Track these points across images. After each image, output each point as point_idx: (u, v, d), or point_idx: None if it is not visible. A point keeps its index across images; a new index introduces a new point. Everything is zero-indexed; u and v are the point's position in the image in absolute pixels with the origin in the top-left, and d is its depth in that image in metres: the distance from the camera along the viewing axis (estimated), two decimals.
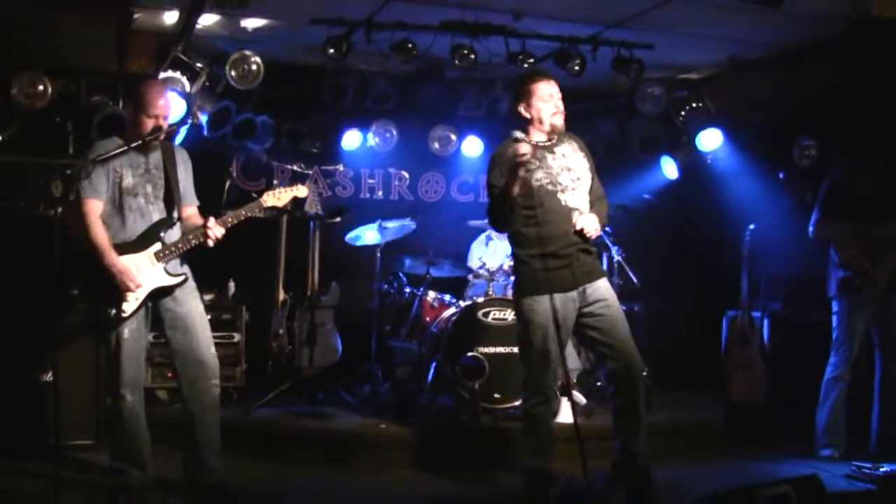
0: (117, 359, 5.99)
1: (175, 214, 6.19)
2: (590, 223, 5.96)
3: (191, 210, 6.34)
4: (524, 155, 5.74)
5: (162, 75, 8.34)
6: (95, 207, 5.95)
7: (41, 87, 8.45)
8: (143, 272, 6.00)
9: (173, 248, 6.09)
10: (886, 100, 8.28)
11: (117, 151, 5.89)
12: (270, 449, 7.58)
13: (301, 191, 6.51)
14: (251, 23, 8.34)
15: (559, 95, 6.12)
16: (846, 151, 7.72)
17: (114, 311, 5.91)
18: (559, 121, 6.10)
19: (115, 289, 5.89)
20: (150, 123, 6.01)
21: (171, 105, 6.25)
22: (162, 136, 6.10)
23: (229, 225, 6.17)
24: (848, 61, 8.22)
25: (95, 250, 5.89)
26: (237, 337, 8.94)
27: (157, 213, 6.11)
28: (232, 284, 9.15)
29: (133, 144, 5.95)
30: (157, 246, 6.06)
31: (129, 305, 5.95)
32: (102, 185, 5.98)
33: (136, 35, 8.36)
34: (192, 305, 6.18)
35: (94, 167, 5.85)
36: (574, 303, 5.99)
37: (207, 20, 8.14)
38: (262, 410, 8.21)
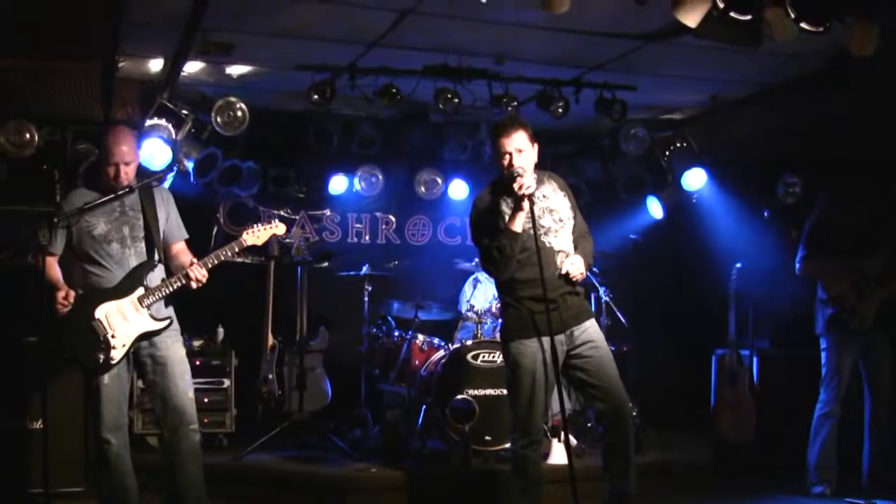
0: (97, 404, 5.97)
1: (156, 256, 6.17)
2: (575, 266, 5.94)
3: (179, 246, 6.35)
4: (528, 187, 5.73)
5: (148, 123, 8.39)
6: (49, 262, 5.98)
7: (27, 136, 8.51)
8: (129, 318, 5.97)
9: (156, 292, 6.05)
10: (868, 136, 8.36)
11: (89, 205, 5.97)
12: (261, 494, 7.56)
13: (279, 228, 6.45)
14: (236, 69, 8.38)
15: (518, 148, 5.91)
16: (830, 187, 7.76)
17: (102, 358, 5.89)
18: (512, 177, 5.81)
19: (102, 338, 5.90)
20: (111, 171, 6.02)
21: (134, 150, 6.15)
22: (140, 185, 6.13)
23: (210, 266, 6.11)
24: (829, 98, 8.29)
25: (55, 289, 5.92)
26: (226, 382, 8.91)
27: (133, 257, 6.08)
28: (221, 330, 9.13)
29: (101, 200, 6.01)
30: (140, 291, 6.03)
31: (117, 353, 5.92)
32: (60, 241, 6.02)
33: (122, 83, 8.39)
34: (172, 351, 6.12)
35: (58, 225, 5.94)
36: (562, 346, 5.98)
37: (192, 67, 8.18)
38: (252, 456, 8.17)
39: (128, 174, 6.06)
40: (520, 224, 5.80)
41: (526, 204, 5.74)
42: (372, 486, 7.48)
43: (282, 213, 9.77)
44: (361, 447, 8.42)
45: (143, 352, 6.09)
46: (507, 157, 5.92)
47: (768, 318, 9.23)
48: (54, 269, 6.03)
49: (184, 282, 6.06)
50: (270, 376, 8.79)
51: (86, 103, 8.49)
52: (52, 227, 5.90)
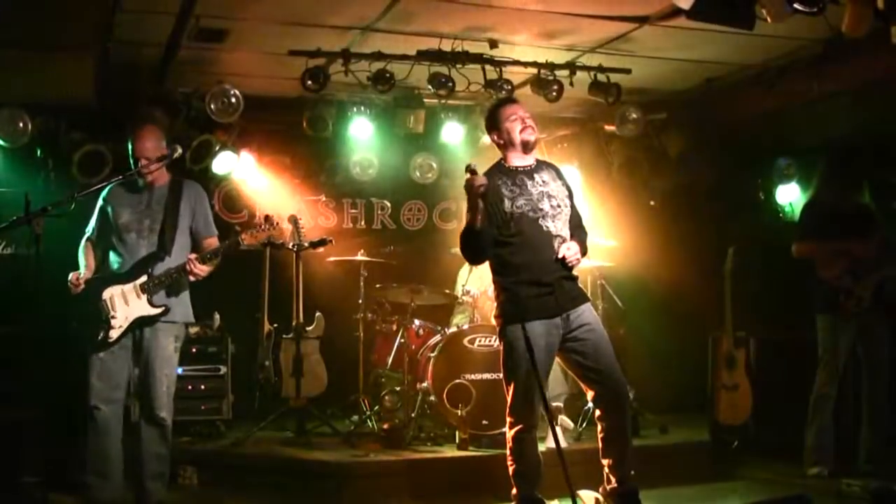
0: (89, 375, 6.31)
1: (166, 248, 6.45)
2: (571, 251, 5.97)
3: (210, 241, 6.70)
4: (481, 186, 5.76)
5: (141, 110, 8.37)
6: (85, 244, 6.64)
7: (21, 124, 8.49)
8: (130, 302, 6.34)
9: (157, 281, 6.37)
10: (862, 118, 8.36)
11: (92, 190, 6.41)
12: (258, 480, 7.56)
13: (277, 230, 6.81)
14: (230, 56, 8.36)
15: (526, 114, 6.17)
16: (825, 170, 7.75)
17: (101, 336, 6.27)
18: (530, 136, 6.12)
19: (105, 317, 6.28)
20: (143, 165, 6.40)
21: (159, 145, 6.53)
22: (148, 171, 6.45)
23: (206, 261, 6.44)
24: (824, 81, 8.28)
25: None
26: (223, 369, 8.93)
27: (145, 248, 6.44)
28: (217, 317, 9.13)
29: (130, 173, 6.44)
30: (143, 278, 6.37)
31: (115, 332, 6.31)
32: (92, 226, 6.60)
33: (115, 71, 8.37)
34: (160, 342, 6.43)
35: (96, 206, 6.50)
36: (558, 329, 5.98)
37: (186, 55, 8.16)
38: (250, 442, 8.18)
39: (150, 169, 6.45)
40: (478, 221, 5.81)
41: (481, 203, 5.77)
42: (369, 471, 7.48)
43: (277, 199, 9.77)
44: (358, 433, 8.42)
45: (139, 338, 6.40)
46: (520, 120, 6.10)
47: (765, 299, 9.23)
48: (87, 252, 6.59)
49: (182, 273, 6.41)
50: (267, 363, 8.80)
51: (79, 92, 8.47)
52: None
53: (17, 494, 6.54)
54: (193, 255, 6.40)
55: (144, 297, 6.35)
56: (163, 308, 6.38)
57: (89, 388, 6.29)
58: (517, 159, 6.17)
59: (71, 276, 6.37)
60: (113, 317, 6.30)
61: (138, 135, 6.48)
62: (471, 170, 5.83)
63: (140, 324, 6.36)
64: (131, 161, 6.47)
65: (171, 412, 6.48)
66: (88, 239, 6.61)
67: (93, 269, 6.52)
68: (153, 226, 6.46)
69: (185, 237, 6.58)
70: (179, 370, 8.63)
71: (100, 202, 6.56)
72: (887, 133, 8.17)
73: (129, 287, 6.35)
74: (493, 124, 6.24)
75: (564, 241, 6.02)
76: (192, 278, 6.42)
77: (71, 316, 6.43)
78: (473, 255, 6.12)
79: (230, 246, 6.52)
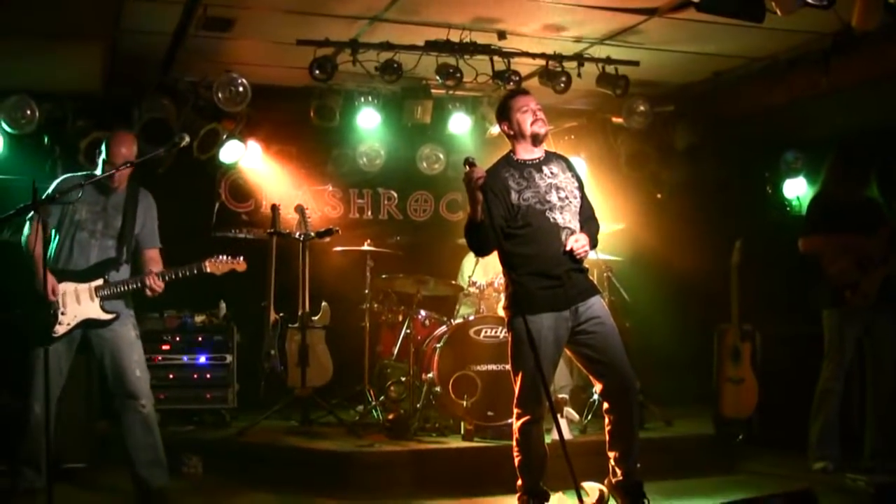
0: (31, 372, 6.32)
1: (124, 255, 6.55)
2: (580, 243, 5.95)
3: (151, 253, 6.75)
4: (480, 179, 5.75)
5: (149, 99, 8.38)
6: (35, 226, 6.33)
7: (28, 112, 8.51)
8: (81, 302, 6.40)
9: (113, 287, 6.46)
10: (871, 111, 8.34)
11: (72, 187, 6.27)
12: (263, 470, 7.57)
13: (241, 265, 6.84)
14: (237, 45, 8.35)
15: (537, 107, 6.14)
16: (833, 164, 7.73)
17: (44, 329, 6.28)
18: (540, 128, 6.09)
19: (51, 312, 6.28)
20: (106, 169, 6.41)
21: (131, 154, 6.49)
22: (120, 179, 6.50)
23: (166, 280, 6.53)
24: (833, 74, 8.26)
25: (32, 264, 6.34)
26: (229, 358, 8.94)
27: (97, 248, 6.50)
28: (223, 305, 9.15)
29: (91, 178, 6.38)
30: (99, 282, 6.44)
31: (61, 328, 6.35)
32: (55, 213, 6.44)
33: (123, 60, 8.37)
34: (120, 333, 6.50)
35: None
36: (567, 322, 5.97)
37: (193, 44, 8.15)
38: (255, 431, 8.20)
39: (122, 176, 6.49)
40: (478, 214, 5.81)
41: (479, 195, 5.76)
42: (375, 461, 7.48)
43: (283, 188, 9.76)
44: (364, 423, 8.43)
45: (92, 334, 6.47)
46: (531, 112, 6.08)
47: (771, 293, 9.22)
48: (39, 247, 6.35)
49: (139, 286, 6.50)
50: (273, 352, 8.79)
51: (87, 80, 8.48)
52: (48, 210, 6.31)
53: None
54: (157, 271, 6.51)
55: (97, 302, 6.41)
56: (114, 315, 6.45)
57: (31, 386, 6.31)
58: (525, 152, 6.15)
59: (50, 285, 6.28)
60: (62, 313, 6.33)
61: (116, 140, 6.49)
62: (469, 162, 5.82)
63: (87, 325, 6.41)
64: (102, 162, 6.46)
65: (150, 398, 6.51)
66: (39, 221, 6.24)
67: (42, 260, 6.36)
68: (105, 230, 6.50)
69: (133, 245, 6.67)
70: (185, 358, 8.72)
71: (55, 191, 6.39)
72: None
73: (83, 287, 6.40)
74: (504, 115, 6.21)
75: (573, 233, 6.00)
76: (148, 293, 6.49)
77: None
78: (478, 248, 6.11)
79: (193, 271, 6.62)
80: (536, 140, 6.12)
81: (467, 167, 5.80)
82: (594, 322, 5.98)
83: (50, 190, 6.36)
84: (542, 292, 5.88)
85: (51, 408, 6.14)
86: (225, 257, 6.74)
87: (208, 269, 6.67)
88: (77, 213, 6.44)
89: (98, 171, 6.45)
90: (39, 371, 6.20)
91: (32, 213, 6.09)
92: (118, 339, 6.45)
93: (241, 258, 6.84)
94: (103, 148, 6.50)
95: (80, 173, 6.62)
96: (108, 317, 6.43)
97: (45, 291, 6.24)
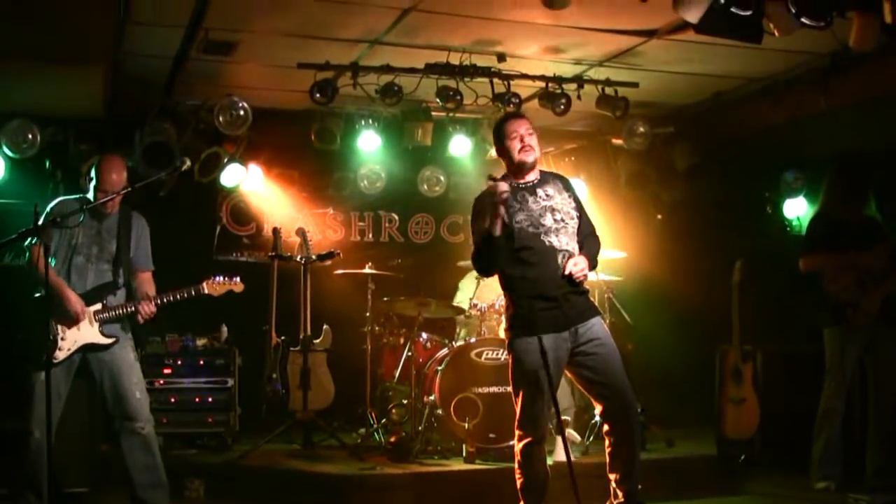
0: (30, 398, 6.28)
1: (121, 279, 6.53)
2: (578, 267, 5.92)
3: (144, 275, 6.72)
4: (504, 193, 5.75)
5: (150, 122, 8.41)
6: (38, 252, 6.20)
7: (30, 136, 8.53)
8: (81, 328, 6.37)
9: (111, 311, 6.45)
10: (870, 130, 8.36)
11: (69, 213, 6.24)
12: (265, 493, 7.56)
13: (238, 286, 6.87)
14: (238, 68, 8.38)
15: (528, 132, 6.06)
16: (832, 183, 7.74)
17: (46, 356, 6.21)
18: (526, 156, 6.01)
19: (52, 337, 6.26)
20: (101, 196, 6.38)
21: (123, 180, 6.48)
22: (111, 205, 6.48)
23: (162, 303, 6.55)
24: (831, 94, 8.29)
25: (53, 288, 6.19)
26: (230, 381, 8.94)
27: (93, 273, 6.48)
28: (224, 329, 9.15)
29: (85, 205, 6.30)
30: (98, 306, 6.42)
31: (61, 353, 6.31)
32: (55, 236, 6.33)
33: (124, 83, 8.40)
34: (120, 356, 6.47)
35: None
36: (566, 343, 5.94)
37: (195, 67, 8.19)
38: (257, 455, 8.18)
39: (114, 202, 6.48)
40: (497, 228, 5.79)
41: (502, 209, 5.76)
42: (377, 484, 7.47)
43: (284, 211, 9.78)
44: (366, 446, 8.42)
45: (91, 357, 6.45)
46: (519, 139, 6.03)
47: (772, 312, 9.22)
48: (41, 261, 6.26)
49: (132, 311, 6.48)
50: (274, 375, 8.79)
51: (88, 104, 8.51)
52: (49, 234, 6.16)
53: None
54: (151, 295, 6.53)
55: (96, 326, 6.39)
56: (113, 339, 6.43)
57: (30, 411, 6.27)
58: (518, 175, 6.14)
59: (77, 306, 6.29)
60: (62, 338, 6.30)
61: (107, 166, 6.45)
62: (493, 178, 5.84)
63: (86, 349, 6.39)
64: (93, 188, 6.42)
65: (149, 420, 6.49)
66: (42, 245, 6.02)
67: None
68: (101, 254, 6.48)
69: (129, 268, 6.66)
70: (186, 382, 8.72)
71: (52, 215, 6.34)
72: (895, 146, 8.19)
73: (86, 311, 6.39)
74: (496, 140, 6.21)
75: (571, 255, 5.98)
76: (140, 319, 6.48)
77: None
78: (488, 265, 6.04)
79: (191, 294, 6.63)
80: (523, 168, 6.07)
81: (491, 181, 5.82)
82: (594, 343, 5.96)
83: (48, 212, 6.34)
84: (542, 314, 5.86)
85: (51, 432, 6.13)
86: (222, 278, 6.77)
87: (206, 291, 6.69)
88: (74, 238, 6.43)
89: (90, 196, 6.43)
90: (39, 395, 6.16)
91: (31, 238, 6.10)
92: (117, 362, 6.43)
93: (238, 279, 6.86)
94: (93, 173, 6.48)
95: (73, 196, 6.61)
96: (108, 341, 6.41)
97: (77, 311, 6.26)
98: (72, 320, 6.27)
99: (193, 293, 6.64)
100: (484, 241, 5.90)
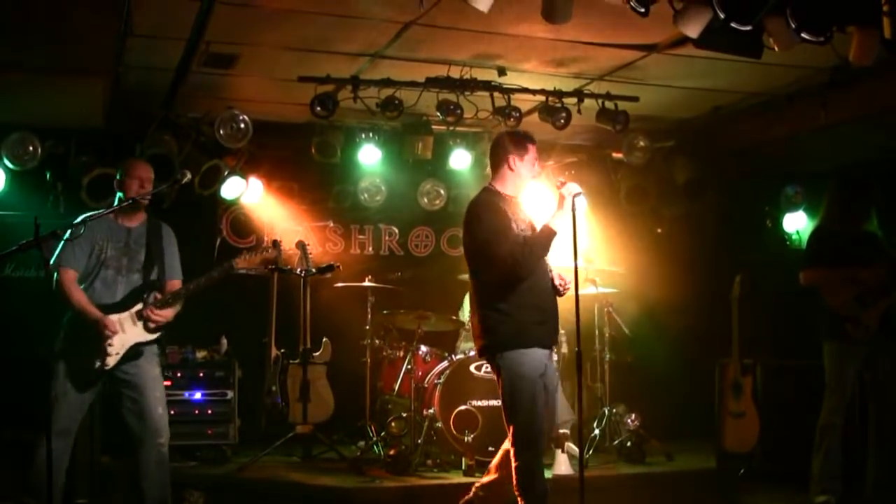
0: (52, 408, 6.19)
1: (157, 281, 6.51)
2: (567, 279, 6.01)
3: (173, 284, 6.64)
4: (579, 193, 5.88)
5: (151, 135, 8.42)
6: (71, 276, 6.31)
7: (31, 148, 8.53)
8: (126, 330, 6.32)
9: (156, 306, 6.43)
10: (870, 144, 8.37)
11: (95, 214, 6.21)
12: None
13: (270, 253, 6.90)
14: (239, 81, 8.40)
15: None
16: (832, 197, 7.75)
17: (98, 364, 6.21)
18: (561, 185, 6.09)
19: (99, 344, 6.20)
20: (134, 185, 6.40)
21: (151, 182, 6.52)
22: (145, 201, 6.46)
23: (190, 289, 6.54)
24: (831, 108, 8.30)
25: (78, 312, 6.26)
26: (230, 394, 8.94)
27: (123, 284, 6.43)
28: (224, 341, 9.14)
29: (113, 208, 6.37)
30: (139, 306, 6.39)
31: (111, 360, 6.26)
32: (83, 258, 6.34)
33: (125, 96, 8.42)
34: (146, 369, 6.42)
35: (79, 239, 6.26)
36: (544, 361, 5.98)
37: (196, 80, 8.20)
38: (256, 467, 8.18)
39: (139, 213, 6.53)
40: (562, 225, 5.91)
41: (568, 203, 5.86)
42: (376, 497, 7.49)
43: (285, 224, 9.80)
44: (365, 459, 8.41)
45: (118, 369, 6.36)
46: (535, 164, 6.18)
47: (772, 326, 9.22)
48: (77, 291, 6.32)
49: (170, 300, 6.50)
50: (274, 388, 8.79)
51: (89, 116, 8.52)
52: (68, 242, 6.29)
53: None
54: (158, 296, 6.48)
55: (140, 325, 6.36)
56: (158, 333, 6.44)
57: (52, 422, 6.12)
58: (511, 188, 6.17)
59: (103, 320, 6.22)
60: (110, 344, 6.24)
61: (136, 168, 6.51)
62: (561, 181, 5.98)
63: (132, 349, 6.34)
64: (128, 182, 6.42)
65: (168, 436, 6.45)
66: (71, 268, 6.32)
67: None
68: (131, 264, 6.45)
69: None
70: (186, 394, 8.73)
71: (81, 231, 6.29)
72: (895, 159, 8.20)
73: (124, 315, 6.32)
74: (521, 151, 6.21)
75: (551, 269, 6.06)
76: (150, 325, 6.40)
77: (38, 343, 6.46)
78: (534, 263, 5.91)
79: (222, 275, 6.61)
80: (518, 191, 6.22)
81: (561, 182, 5.95)
82: (551, 374, 6.04)
83: (78, 222, 6.23)
84: (536, 327, 5.86)
85: (65, 442, 6.25)
86: (253, 251, 6.81)
87: (240, 267, 6.69)
88: (103, 252, 6.38)
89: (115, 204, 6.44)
90: (62, 406, 6.19)
91: (53, 260, 6.22)
92: (143, 376, 6.38)
93: (272, 244, 6.96)
94: (121, 177, 6.47)
95: (99, 211, 6.47)
96: (153, 336, 6.40)
97: (104, 325, 6.21)
98: (107, 336, 6.22)
99: (225, 271, 6.63)
100: (550, 237, 5.90)
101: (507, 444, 5.99)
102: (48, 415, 6.19)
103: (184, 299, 6.55)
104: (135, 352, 6.35)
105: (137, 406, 6.35)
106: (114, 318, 6.27)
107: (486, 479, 6.27)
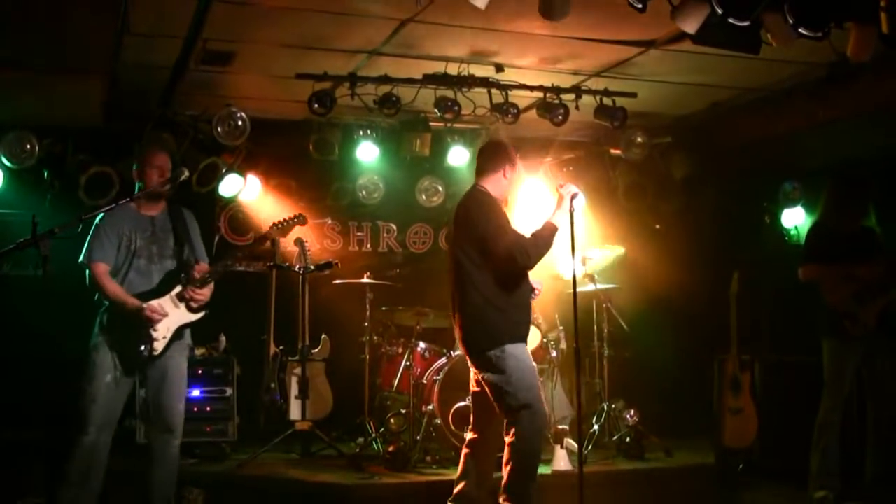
0: (86, 400, 6.17)
1: (188, 263, 6.51)
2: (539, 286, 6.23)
3: (204, 266, 6.62)
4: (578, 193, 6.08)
5: (148, 133, 8.42)
6: (103, 269, 6.30)
7: (28, 146, 8.53)
8: (169, 312, 6.34)
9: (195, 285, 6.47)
10: (868, 140, 8.37)
11: (110, 208, 6.14)
12: (263, 502, 7.58)
13: (301, 221, 7.05)
14: (237, 79, 8.40)
15: None
16: (830, 193, 7.75)
17: (146, 350, 6.23)
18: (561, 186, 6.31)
19: (144, 330, 6.22)
20: (154, 174, 6.41)
21: (168, 166, 6.53)
22: (165, 189, 6.44)
23: (225, 267, 6.60)
24: (829, 104, 8.30)
25: (115, 303, 6.27)
26: (229, 391, 8.93)
27: (157, 272, 6.42)
28: (223, 338, 9.14)
29: (136, 196, 6.37)
30: (178, 288, 6.41)
31: (159, 344, 6.30)
32: (112, 250, 6.33)
33: (123, 94, 8.41)
34: (176, 362, 6.45)
35: (107, 232, 6.30)
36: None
37: (193, 77, 8.20)
38: (255, 464, 8.19)
39: (160, 202, 6.55)
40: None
41: (566, 203, 6.09)
42: (375, 494, 7.49)
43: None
44: (364, 455, 8.41)
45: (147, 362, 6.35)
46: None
47: (770, 322, 9.22)
48: (111, 283, 6.32)
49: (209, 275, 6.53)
50: (273, 385, 8.80)
51: (87, 114, 8.52)
52: (95, 237, 6.34)
53: None
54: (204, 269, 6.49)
55: (182, 306, 6.38)
56: (203, 313, 6.48)
57: (89, 414, 6.16)
58: (499, 193, 6.48)
59: (145, 307, 6.22)
60: (155, 329, 6.26)
61: (154, 156, 6.51)
62: (561, 182, 6.18)
63: (179, 330, 6.38)
64: (148, 171, 6.42)
65: (181, 435, 6.46)
66: (103, 262, 6.31)
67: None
68: (161, 251, 6.44)
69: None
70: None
71: (109, 225, 6.35)
72: (893, 156, 8.20)
73: (165, 299, 6.34)
74: (513, 162, 6.51)
75: None
76: (192, 304, 6.42)
77: (72, 339, 6.43)
78: (541, 256, 6.15)
79: (256, 247, 7.00)
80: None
81: (560, 184, 6.17)
82: None
83: (98, 220, 6.32)
84: (524, 326, 6.10)
85: (105, 434, 6.25)
86: (282, 220, 6.95)
87: (274, 235, 6.88)
88: (132, 244, 6.38)
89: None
90: (100, 400, 6.17)
91: (84, 258, 6.26)
92: (172, 370, 6.40)
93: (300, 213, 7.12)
94: (139, 166, 6.50)
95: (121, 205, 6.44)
96: (198, 315, 6.46)
97: (149, 311, 6.22)
98: (154, 321, 6.25)
99: (258, 244, 7.01)
100: (553, 234, 6.10)
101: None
102: (84, 409, 6.17)
103: (219, 277, 6.55)
104: (180, 334, 6.39)
105: (158, 400, 6.36)
106: (154, 303, 6.27)
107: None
